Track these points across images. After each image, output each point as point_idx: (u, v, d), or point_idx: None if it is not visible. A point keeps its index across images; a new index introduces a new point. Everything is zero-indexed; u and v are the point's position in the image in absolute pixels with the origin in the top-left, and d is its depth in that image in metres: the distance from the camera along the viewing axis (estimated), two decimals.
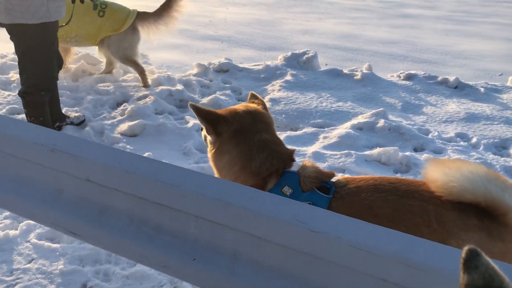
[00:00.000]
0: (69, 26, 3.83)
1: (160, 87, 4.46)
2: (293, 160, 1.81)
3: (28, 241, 2.55)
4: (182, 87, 4.52)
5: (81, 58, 5.06)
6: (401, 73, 5.59)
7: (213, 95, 4.42)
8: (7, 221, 2.68)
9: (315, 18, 10.51)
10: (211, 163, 1.92)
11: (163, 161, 1.60)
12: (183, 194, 1.55)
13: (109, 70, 4.87)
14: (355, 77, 5.19)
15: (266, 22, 9.56)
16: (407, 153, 3.57)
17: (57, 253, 2.49)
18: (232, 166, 1.77)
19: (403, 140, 3.85)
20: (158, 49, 6.79)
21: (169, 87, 4.44)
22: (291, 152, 1.83)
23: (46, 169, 1.84)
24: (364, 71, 5.37)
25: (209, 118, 1.80)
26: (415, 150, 3.78)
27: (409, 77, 5.47)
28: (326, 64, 6.16)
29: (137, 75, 4.75)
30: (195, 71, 5.20)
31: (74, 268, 2.39)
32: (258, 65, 5.39)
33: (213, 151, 1.86)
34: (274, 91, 4.66)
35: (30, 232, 2.60)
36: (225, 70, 5.24)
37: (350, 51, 7.51)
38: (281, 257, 1.49)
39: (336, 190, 1.68)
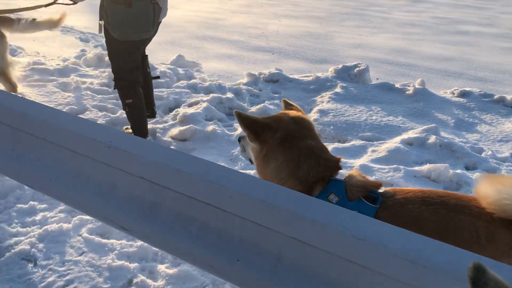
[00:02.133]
0: None
1: (211, 95, 4.56)
2: (340, 168, 1.80)
3: (80, 235, 2.66)
4: (232, 95, 4.60)
5: None
6: (455, 90, 5.45)
7: (262, 104, 4.47)
8: (62, 215, 2.81)
9: (368, 32, 10.42)
10: (257, 171, 1.94)
11: None
12: (231, 195, 1.58)
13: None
14: (407, 92, 5.11)
15: (318, 35, 9.56)
16: (458, 171, 3.47)
17: (106, 248, 2.58)
18: (279, 173, 1.77)
19: (454, 158, 3.75)
20: (210, 58, 6.94)
21: (219, 95, 4.53)
22: (338, 160, 1.82)
23: (102, 165, 1.92)
24: (417, 86, 5.28)
25: (252, 126, 1.81)
26: (467, 168, 3.67)
27: (463, 94, 5.32)
28: (377, 79, 6.09)
29: (190, 81, 4.87)
30: (245, 80, 5.28)
31: (121, 263, 2.47)
32: (308, 76, 5.40)
33: (259, 159, 1.88)
34: (323, 102, 4.66)
35: (82, 227, 2.72)
36: (275, 80, 5.29)
37: (403, 66, 7.40)
38: (324, 263, 1.49)
39: (383, 200, 1.66)
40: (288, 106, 2.05)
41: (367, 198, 1.68)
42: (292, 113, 1.94)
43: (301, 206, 1.48)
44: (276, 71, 5.39)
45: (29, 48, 6.08)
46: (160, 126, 3.97)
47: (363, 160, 3.60)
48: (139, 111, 3.57)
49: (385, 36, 10.11)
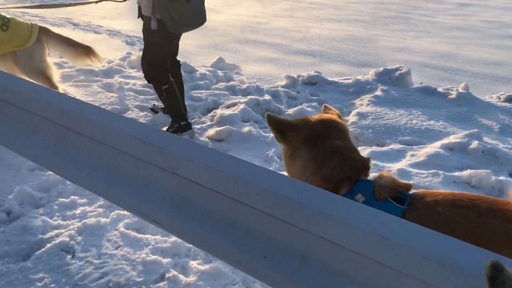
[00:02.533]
0: None
1: (249, 97, 4.60)
2: (368, 168, 1.78)
3: (117, 229, 2.74)
4: (270, 97, 4.63)
5: None
6: (501, 95, 5.26)
7: (299, 107, 4.47)
8: (100, 210, 2.90)
9: (412, 36, 10.21)
10: (286, 170, 1.96)
11: None
12: (258, 192, 1.59)
13: None
14: (450, 96, 4.98)
15: (360, 39, 9.46)
16: (502, 178, 3.34)
17: (141, 243, 2.65)
18: (304, 171, 1.78)
19: (497, 164, 3.62)
20: (250, 61, 6.99)
21: (257, 97, 4.56)
22: (366, 160, 1.80)
23: (137, 160, 1.98)
24: (460, 90, 5.13)
25: (278, 126, 1.84)
26: (511, 175, 3.54)
27: (510, 99, 5.13)
28: (421, 83, 5.95)
29: (228, 83, 4.94)
30: (283, 82, 5.29)
31: (155, 258, 2.53)
32: (348, 79, 5.36)
33: (286, 158, 1.90)
34: (362, 105, 4.61)
35: (119, 222, 2.80)
36: (314, 82, 5.27)
37: (448, 71, 7.20)
38: (350, 262, 1.48)
39: (411, 202, 1.63)
40: (326, 110, 2.06)
41: (395, 199, 1.66)
42: (325, 115, 1.94)
43: (326, 204, 1.48)
44: (315, 74, 5.37)
45: None
46: (198, 126, 4.05)
47: (402, 164, 3.53)
48: (175, 95, 3.86)
49: (430, 40, 9.88)
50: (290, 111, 4.45)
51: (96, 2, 4.12)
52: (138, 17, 3.90)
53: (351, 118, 4.33)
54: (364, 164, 1.77)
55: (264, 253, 1.68)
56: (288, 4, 13.54)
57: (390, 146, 3.82)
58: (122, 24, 8.92)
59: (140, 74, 5.24)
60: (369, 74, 5.50)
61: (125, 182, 2.06)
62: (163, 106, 4.23)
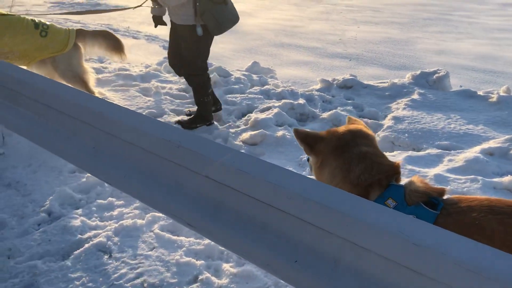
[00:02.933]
0: (1, 39, 3.92)
1: (283, 101, 4.61)
2: (398, 173, 1.76)
3: (152, 231, 2.80)
4: (304, 101, 4.62)
5: (213, 70, 5.43)
6: None
7: (334, 110, 4.45)
8: (137, 211, 2.97)
9: (452, 38, 9.97)
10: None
11: None
12: (289, 196, 1.60)
13: None
14: (490, 100, 4.84)
15: (398, 41, 9.31)
16: None
17: (176, 245, 2.70)
18: (333, 179, 1.79)
19: None
20: (286, 65, 7.00)
21: (291, 101, 4.56)
22: (395, 164, 1.78)
23: (172, 163, 2.02)
24: (501, 93, 4.97)
25: (307, 139, 1.89)
26: None
27: None
28: (460, 86, 5.80)
29: (263, 87, 4.96)
30: (318, 86, 5.28)
31: (188, 260, 2.57)
32: (384, 82, 5.29)
33: (316, 169, 1.92)
34: (398, 109, 4.54)
35: (154, 223, 2.86)
36: (349, 86, 5.23)
37: (489, 73, 7.00)
38: (381, 268, 1.46)
39: (444, 207, 1.60)
40: (351, 121, 2.07)
41: (427, 203, 1.63)
42: (352, 126, 1.96)
43: (356, 209, 1.47)
44: (351, 77, 5.32)
45: None
46: (232, 130, 4.09)
47: (439, 169, 3.46)
48: (210, 100, 4.14)
49: (471, 41, 9.63)
50: (325, 115, 4.43)
51: (134, 8, 4.25)
52: (156, 27, 4.18)
53: (387, 122, 4.27)
54: (393, 169, 1.75)
55: (295, 257, 1.68)
56: (324, 7, 13.48)
57: (427, 151, 3.74)
58: (160, 29, 9.08)
59: (176, 78, 5.33)
60: (406, 77, 5.41)
61: (159, 185, 2.10)
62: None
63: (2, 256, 2.58)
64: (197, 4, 3.67)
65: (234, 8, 3.91)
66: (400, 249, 1.38)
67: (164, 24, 4.17)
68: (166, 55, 6.58)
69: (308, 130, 1.95)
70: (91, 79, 4.52)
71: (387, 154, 3.68)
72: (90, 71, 4.56)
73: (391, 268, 1.43)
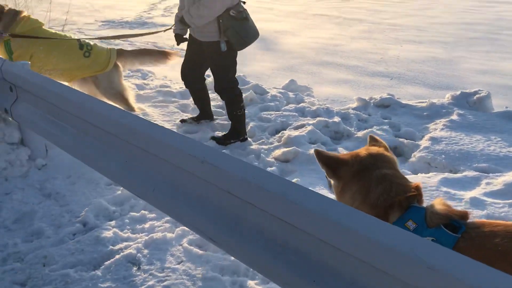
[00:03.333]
0: (47, 58, 4.11)
1: (318, 118, 4.61)
2: (420, 194, 1.74)
3: (181, 245, 2.85)
4: (339, 119, 4.60)
5: (250, 88, 5.50)
6: None
7: (369, 129, 4.40)
8: (167, 225, 3.03)
9: (498, 57, 9.67)
10: None
11: (310, 188, 1.71)
12: (307, 215, 1.61)
13: None
14: None
15: (442, 61, 9.12)
16: None
17: (203, 260, 2.73)
18: (353, 202, 1.79)
19: None
20: (325, 83, 6.99)
21: (326, 119, 4.55)
22: (415, 185, 1.76)
23: (197, 178, 2.07)
24: None
25: (329, 162, 1.90)
26: None
27: None
28: (506, 107, 5.61)
29: (298, 105, 4.98)
30: (354, 105, 5.24)
31: (214, 275, 2.59)
32: (423, 102, 5.19)
33: (337, 193, 1.92)
34: (436, 130, 4.44)
35: (183, 237, 2.90)
36: (386, 105, 5.17)
37: None
38: None
39: (466, 231, 1.57)
40: (373, 141, 2.07)
41: (448, 226, 1.60)
42: (373, 148, 1.97)
43: (373, 230, 1.46)
44: (388, 96, 5.26)
45: (159, 73, 6.68)
46: (265, 147, 4.11)
47: (475, 192, 3.35)
48: (244, 114, 4.28)
49: None
50: (360, 133, 4.39)
51: (164, 31, 4.54)
52: (178, 44, 4.31)
53: (424, 142, 4.18)
54: (413, 190, 1.73)
55: (313, 277, 1.68)
56: (366, 26, 13.39)
57: (464, 173, 3.63)
58: None
59: (214, 95, 5.44)
60: (446, 98, 5.29)
61: (185, 199, 2.15)
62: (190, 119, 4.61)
63: (37, 264, 2.69)
64: (221, 21, 3.83)
65: (254, 24, 4.06)
66: (415, 273, 1.36)
67: (186, 41, 4.31)
68: (207, 73, 6.74)
69: (330, 152, 1.95)
70: (131, 95, 4.71)
71: (422, 175, 3.63)
72: (129, 88, 4.77)
73: None
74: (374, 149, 1.95)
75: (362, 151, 1.94)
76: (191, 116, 4.72)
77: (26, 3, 9.30)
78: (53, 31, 4.37)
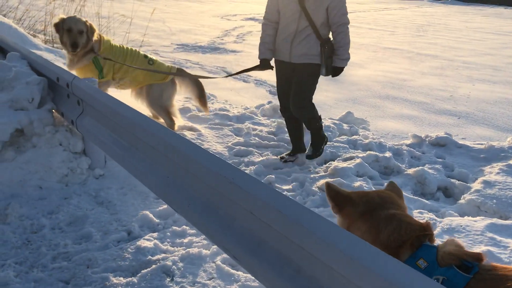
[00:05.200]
0: (121, 67, 4.50)
1: (368, 152, 4.59)
2: (430, 233, 1.74)
3: (214, 262, 2.96)
4: (391, 154, 4.56)
5: None
6: None
7: (420, 167, 4.32)
8: (204, 242, 3.16)
9: None
10: None
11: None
12: (317, 242, 1.67)
13: None
14: None
15: None
16: None
17: (232, 278, 2.82)
18: None
19: None
20: (387, 117, 6.92)
21: (377, 153, 4.53)
22: (425, 224, 1.76)
23: (225, 198, 2.18)
24: None
25: (336, 198, 1.92)
26: None
27: None
28: None
29: (351, 137, 5.00)
30: (409, 141, 5.17)
31: None
32: (481, 144, 5.02)
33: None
34: (491, 173, 4.28)
35: (218, 255, 3.01)
36: (442, 144, 5.05)
37: None
38: None
39: (478, 272, 1.56)
40: (389, 187, 2.10)
41: (461, 267, 1.59)
42: (384, 191, 1.99)
43: (378, 262, 1.50)
44: (445, 135, 5.14)
45: (221, 97, 6.96)
46: (311, 176, 4.17)
47: None
48: (321, 122, 4.46)
49: None
50: (410, 171, 4.33)
51: (226, 76, 5.01)
52: (263, 70, 4.36)
53: (476, 185, 4.05)
54: (424, 229, 1.74)
55: None
56: (439, 62, 13.10)
57: None
58: (269, 74, 9.49)
59: (269, 122, 5.59)
60: (506, 141, 5.08)
61: (215, 217, 2.27)
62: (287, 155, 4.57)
63: (82, 265, 2.90)
64: (326, 47, 4.02)
65: None
66: None
67: (271, 68, 4.37)
68: (271, 99, 6.91)
69: (341, 189, 1.97)
70: (177, 113, 5.09)
71: (468, 218, 3.52)
72: (176, 107, 5.12)
73: None
74: (385, 191, 1.98)
75: (372, 192, 1.97)
76: (286, 153, 4.68)
77: (108, 24, 10.04)
78: (123, 46, 4.76)
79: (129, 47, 4.79)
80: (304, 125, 4.56)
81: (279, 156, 4.60)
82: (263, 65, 4.36)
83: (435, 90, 9.49)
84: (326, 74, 4.15)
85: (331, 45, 4.06)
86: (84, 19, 4.49)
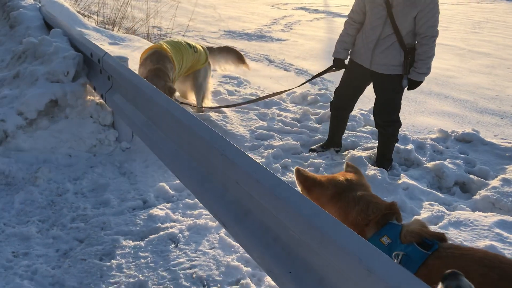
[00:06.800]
0: (182, 59, 4.71)
1: None
2: (396, 212, 1.82)
3: (218, 234, 3.12)
4: (412, 147, 4.54)
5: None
6: None
7: (439, 161, 4.29)
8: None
9: None
10: None
11: None
12: (291, 212, 1.78)
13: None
14: None
15: None
16: None
17: (232, 249, 2.97)
18: None
19: None
20: (426, 113, 6.78)
21: (398, 145, 4.51)
22: (391, 204, 1.84)
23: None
24: None
25: (305, 182, 2.03)
26: None
27: None
28: None
29: (374, 128, 5.04)
30: (435, 135, 5.11)
31: (238, 265, 2.82)
32: (509, 142, 4.90)
33: None
34: None
35: (222, 228, 3.16)
36: (468, 140, 4.96)
37: None
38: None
39: (437, 249, 1.63)
40: (348, 168, 2.19)
41: (421, 244, 1.67)
42: (349, 174, 2.09)
43: (334, 230, 1.60)
44: (472, 132, 5.04)
45: (254, 82, 7.08)
46: (327, 162, 4.24)
47: None
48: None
49: None
50: (429, 164, 4.30)
51: (301, 85, 4.93)
52: (335, 70, 4.26)
53: (494, 182, 3.98)
54: (389, 208, 1.82)
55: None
56: (491, 60, 12.63)
57: None
58: (311, 64, 9.51)
59: (296, 109, 5.66)
60: None
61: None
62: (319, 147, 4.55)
63: (97, 227, 3.13)
64: (409, 58, 3.79)
65: None
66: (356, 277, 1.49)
67: (345, 67, 4.22)
68: (309, 89, 6.91)
69: (310, 173, 2.06)
70: (209, 95, 5.36)
71: (479, 213, 3.49)
72: (210, 87, 5.41)
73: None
74: (350, 174, 2.08)
75: (339, 175, 2.07)
76: (319, 145, 4.62)
77: (156, 7, 10.36)
78: (176, 42, 4.89)
79: (178, 40, 4.92)
80: (381, 139, 4.28)
81: (309, 149, 4.54)
82: (338, 65, 4.22)
83: (481, 88, 9.21)
84: (406, 87, 3.93)
85: (413, 56, 3.80)
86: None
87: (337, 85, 4.38)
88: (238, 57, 5.42)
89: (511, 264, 1.52)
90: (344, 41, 4.12)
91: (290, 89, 5.17)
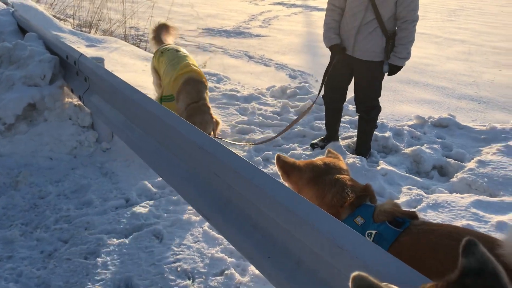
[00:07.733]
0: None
1: None
2: (369, 193, 1.88)
3: (202, 227, 3.16)
4: (390, 134, 4.63)
5: (313, 98, 5.67)
6: None
7: (417, 147, 4.39)
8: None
9: None
10: None
11: None
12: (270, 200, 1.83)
13: None
14: None
15: None
16: None
17: (216, 242, 3.02)
18: None
19: None
20: (406, 102, 6.88)
21: (376, 133, 4.59)
22: (365, 186, 1.90)
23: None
24: None
25: (284, 167, 2.09)
26: None
27: None
28: None
29: (353, 117, 5.10)
30: (412, 122, 5.21)
31: (222, 256, 2.87)
32: (483, 125, 5.02)
33: None
34: (488, 153, 4.30)
35: (206, 222, 3.20)
36: (444, 125, 5.07)
37: None
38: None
39: (408, 227, 1.69)
40: (329, 154, 2.25)
41: (393, 223, 1.73)
42: (327, 159, 2.16)
43: (305, 211, 1.66)
44: (448, 117, 5.15)
45: (234, 78, 7.11)
46: (308, 153, 4.30)
47: (506, 218, 3.26)
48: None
49: None
50: (407, 150, 4.40)
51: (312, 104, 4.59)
52: (334, 58, 4.13)
53: (470, 164, 4.09)
54: (363, 190, 1.88)
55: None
56: (467, 47, 12.82)
57: (502, 198, 3.52)
58: (290, 59, 9.55)
59: (275, 102, 5.71)
60: (510, 123, 5.05)
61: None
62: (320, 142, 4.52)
63: (81, 227, 3.15)
64: (391, 43, 3.83)
65: None
66: (327, 250, 1.55)
67: (344, 52, 4.07)
68: (290, 83, 6.95)
69: (289, 158, 2.13)
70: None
71: (456, 195, 3.58)
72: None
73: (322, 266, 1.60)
74: (329, 159, 2.14)
75: (317, 160, 2.13)
76: (319, 139, 4.59)
77: (133, 8, 10.31)
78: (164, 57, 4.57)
79: (165, 53, 4.58)
80: (361, 126, 4.32)
81: (310, 143, 4.50)
82: (336, 51, 4.10)
83: (458, 75, 9.35)
84: (387, 73, 3.99)
85: (393, 42, 3.84)
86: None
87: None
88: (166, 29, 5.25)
89: (477, 235, 1.58)
90: (332, 27, 4.08)
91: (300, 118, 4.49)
